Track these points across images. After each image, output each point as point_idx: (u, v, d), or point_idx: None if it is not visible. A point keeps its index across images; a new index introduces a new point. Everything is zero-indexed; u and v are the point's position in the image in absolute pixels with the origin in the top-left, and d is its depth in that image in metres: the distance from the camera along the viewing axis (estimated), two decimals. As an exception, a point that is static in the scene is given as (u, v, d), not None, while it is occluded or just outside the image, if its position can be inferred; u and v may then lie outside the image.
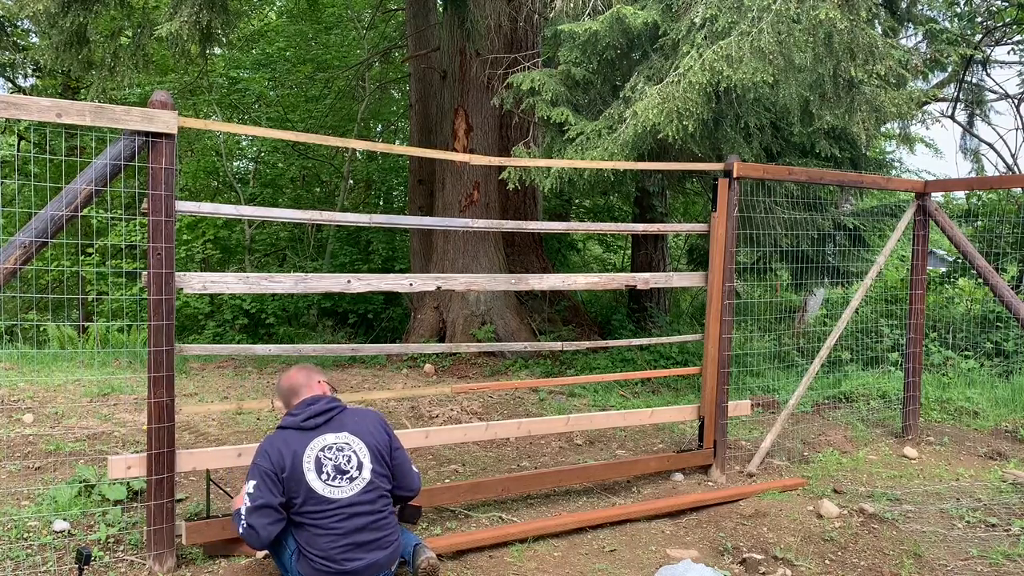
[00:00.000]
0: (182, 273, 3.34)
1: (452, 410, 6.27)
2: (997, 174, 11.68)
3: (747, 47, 4.86)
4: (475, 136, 9.14)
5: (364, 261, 12.47)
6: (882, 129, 9.38)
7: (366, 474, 3.01)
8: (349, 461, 3.01)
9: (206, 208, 3.59)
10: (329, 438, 3.02)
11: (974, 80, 11.62)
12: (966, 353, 7.88)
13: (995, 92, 12.14)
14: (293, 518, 2.96)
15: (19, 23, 11.58)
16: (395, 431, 3.30)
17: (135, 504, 3.90)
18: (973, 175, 12.07)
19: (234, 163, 15.18)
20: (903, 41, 9.14)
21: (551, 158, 6.04)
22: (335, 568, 2.89)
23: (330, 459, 2.98)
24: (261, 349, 3.86)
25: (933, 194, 5.68)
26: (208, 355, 8.49)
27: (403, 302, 11.19)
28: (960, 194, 11.86)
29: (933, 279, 9.57)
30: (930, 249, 6.33)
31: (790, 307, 10.81)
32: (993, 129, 24.97)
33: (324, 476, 2.94)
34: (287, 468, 2.92)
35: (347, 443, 3.04)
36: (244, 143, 15.25)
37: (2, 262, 3.07)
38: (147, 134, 3.18)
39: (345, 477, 2.97)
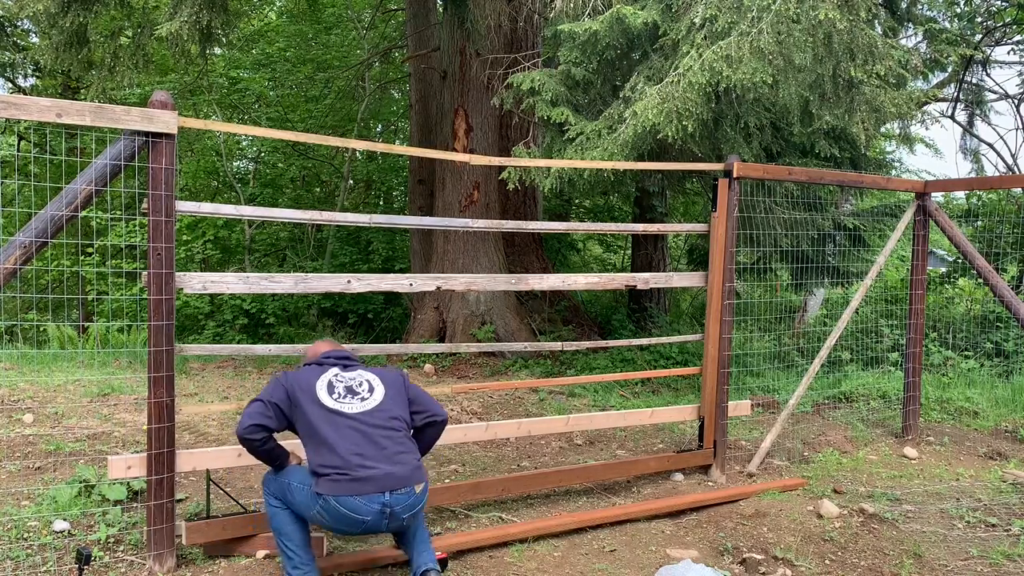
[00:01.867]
0: (182, 273, 3.34)
1: (452, 410, 6.27)
2: (997, 174, 11.68)
3: (747, 47, 4.86)
4: (475, 136, 9.14)
5: (364, 261, 12.47)
6: (882, 129, 9.37)
7: (377, 396, 3.09)
8: (360, 385, 3.11)
9: (206, 208, 3.59)
10: (342, 373, 3.17)
11: (974, 80, 11.62)
12: (966, 353, 7.88)
13: (995, 92, 12.15)
14: (306, 443, 2.99)
15: (19, 23, 11.58)
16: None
17: (135, 504, 3.90)
18: (973, 175, 12.07)
19: (234, 163, 15.18)
20: (903, 41, 9.14)
21: (551, 158, 6.05)
22: (351, 475, 2.87)
23: (341, 382, 3.11)
24: (261, 349, 3.86)
25: (933, 194, 5.68)
26: (208, 355, 8.48)
27: (403, 302, 11.19)
28: (960, 194, 11.87)
29: (933, 279, 9.57)
30: (930, 249, 6.33)
31: (790, 307, 10.81)
32: (993, 129, 24.99)
33: (335, 395, 3.05)
34: (299, 391, 3.01)
35: (360, 374, 3.18)
36: (244, 143, 15.25)
37: (2, 262, 3.07)
38: (147, 134, 3.18)
39: (356, 397, 3.07)
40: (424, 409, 3.21)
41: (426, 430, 3.24)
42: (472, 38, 8.51)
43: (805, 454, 5.30)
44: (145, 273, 3.24)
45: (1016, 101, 11.83)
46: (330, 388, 3.07)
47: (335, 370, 3.17)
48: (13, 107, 2.98)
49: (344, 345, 3.46)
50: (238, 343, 10.58)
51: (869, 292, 6.11)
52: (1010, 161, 12.14)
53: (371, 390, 3.12)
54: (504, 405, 6.75)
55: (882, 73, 5.29)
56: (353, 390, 3.09)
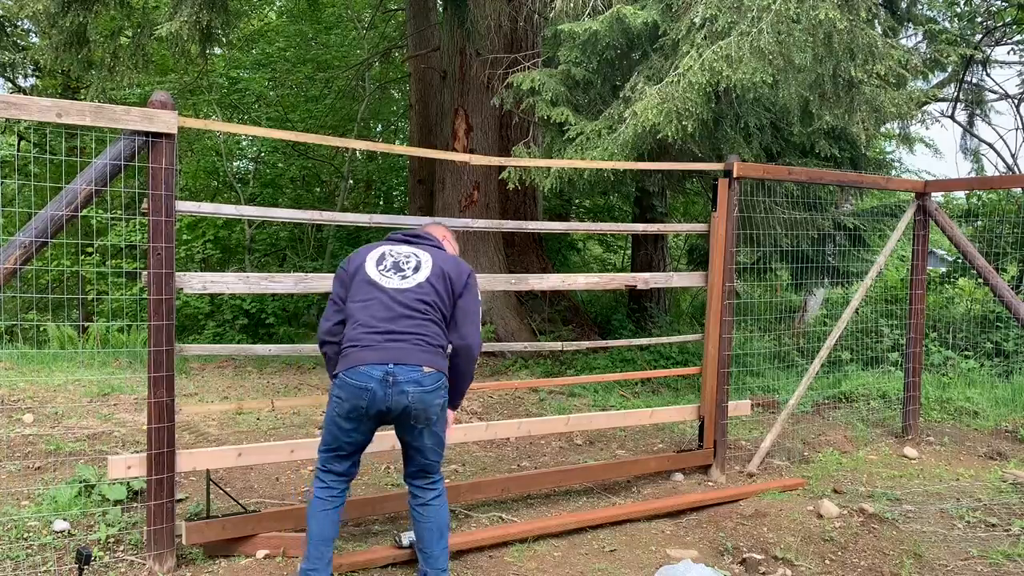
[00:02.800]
0: (182, 273, 3.34)
1: (452, 410, 6.27)
2: (997, 174, 11.67)
3: (747, 47, 4.85)
4: (475, 136, 9.14)
5: (364, 261, 12.44)
6: (882, 129, 9.37)
7: (420, 278, 2.98)
8: (408, 262, 3.03)
9: (206, 208, 3.59)
10: (402, 247, 3.12)
11: (974, 80, 11.62)
12: (966, 353, 7.87)
13: (995, 92, 12.15)
14: (346, 308, 2.97)
15: (19, 23, 11.57)
16: (394, 431, 3.27)
17: (135, 504, 3.90)
18: (973, 175, 12.07)
19: (234, 163, 15.17)
20: (903, 41, 9.14)
21: (551, 158, 6.04)
22: (360, 344, 2.84)
23: (392, 257, 3.06)
24: (261, 349, 3.86)
25: (933, 194, 5.68)
26: (208, 355, 8.49)
27: (403, 302, 11.15)
28: (960, 194, 11.86)
29: (933, 279, 9.57)
30: (930, 249, 6.32)
31: (790, 307, 10.81)
32: (993, 129, 24.98)
33: (381, 267, 3.01)
34: (352, 269, 3.02)
35: (415, 253, 3.08)
36: (244, 143, 15.24)
37: (2, 262, 3.07)
38: (147, 134, 3.18)
39: (399, 274, 2.99)
40: (456, 329, 3.02)
41: (452, 358, 3.04)
42: (472, 38, 8.51)
43: (805, 454, 5.30)
44: (145, 273, 3.24)
45: (1016, 101, 11.84)
46: (380, 260, 3.02)
47: (392, 245, 3.12)
48: (13, 107, 2.98)
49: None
50: (238, 343, 10.58)
51: (869, 292, 6.11)
52: (1010, 161, 12.14)
53: (416, 270, 3.00)
54: (504, 405, 6.75)
55: (882, 73, 5.30)
56: (399, 266, 3.00)
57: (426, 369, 2.86)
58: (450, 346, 3.03)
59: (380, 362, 2.81)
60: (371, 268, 2.99)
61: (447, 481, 4.55)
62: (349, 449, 2.97)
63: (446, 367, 2.98)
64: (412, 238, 3.18)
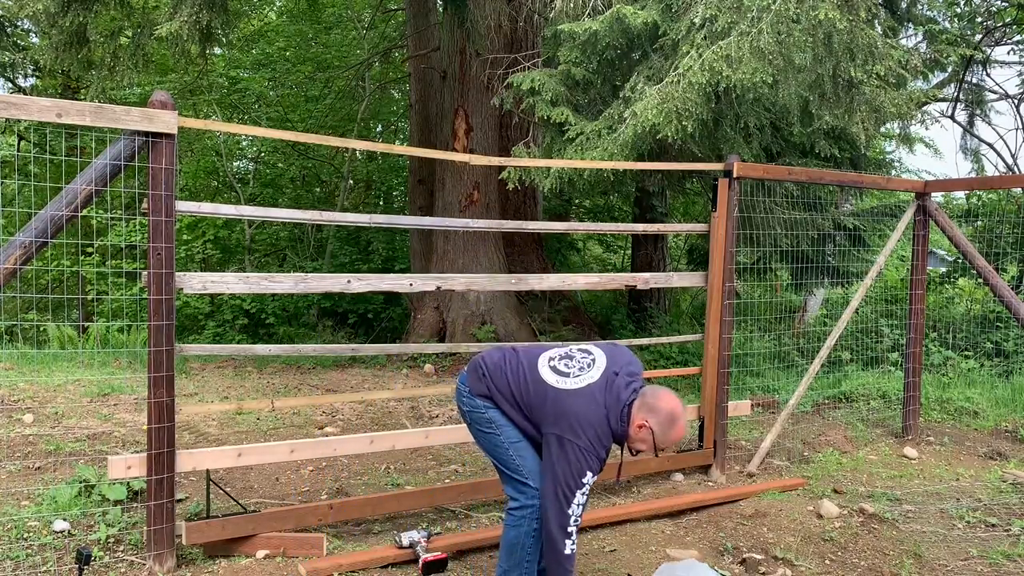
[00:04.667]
0: (182, 273, 3.34)
1: (452, 410, 6.27)
2: (997, 174, 11.68)
3: (747, 47, 4.85)
4: (475, 136, 9.14)
5: (364, 261, 12.47)
6: (882, 129, 9.37)
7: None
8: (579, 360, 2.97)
9: (206, 208, 3.59)
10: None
11: (974, 80, 11.62)
12: (966, 353, 7.87)
13: (995, 92, 12.14)
14: None
15: (19, 23, 11.57)
16: (395, 431, 3.28)
17: (135, 504, 3.90)
18: (973, 175, 12.07)
19: (234, 163, 15.17)
20: (903, 41, 9.13)
21: (551, 158, 6.04)
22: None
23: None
24: (261, 349, 3.86)
25: (933, 194, 5.68)
26: (208, 355, 8.49)
27: (403, 302, 11.18)
28: (960, 194, 11.86)
29: (933, 279, 9.57)
30: (930, 249, 6.32)
31: (790, 307, 10.81)
32: (993, 129, 24.91)
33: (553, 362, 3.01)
34: None
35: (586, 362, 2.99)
36: (244, 143, 15.24)
37: (2, 262, 3.07)
38: (147, 134, 3.18)
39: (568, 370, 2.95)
40: None
41: None
42: (472, 38, 8.50)
43: (805, 454, 5.30)
44: (145, 273, 3.24)
45: (1016, 101, 11.84)
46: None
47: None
48: (13, 107, 2.98)
49: (346, 345, 3.44)
50: (238, 343, 10.58)
51: (869, 292, 6.11)
52: (1010, 161, 12.14)
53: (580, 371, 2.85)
54: (504, 405, 6.74)
55: (882, 73, 5.29)
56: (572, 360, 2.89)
57: (470, 384, 3.02)
58: None
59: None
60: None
61: (447, 481, 4.56)
62: None
63: (484, 394, 3.00)
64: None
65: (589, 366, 2.84)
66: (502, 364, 2.93)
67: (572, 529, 2.68)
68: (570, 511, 2.66)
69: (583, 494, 2.68)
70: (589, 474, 2.67)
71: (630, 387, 2.79)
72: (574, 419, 2.68)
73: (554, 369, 2.85)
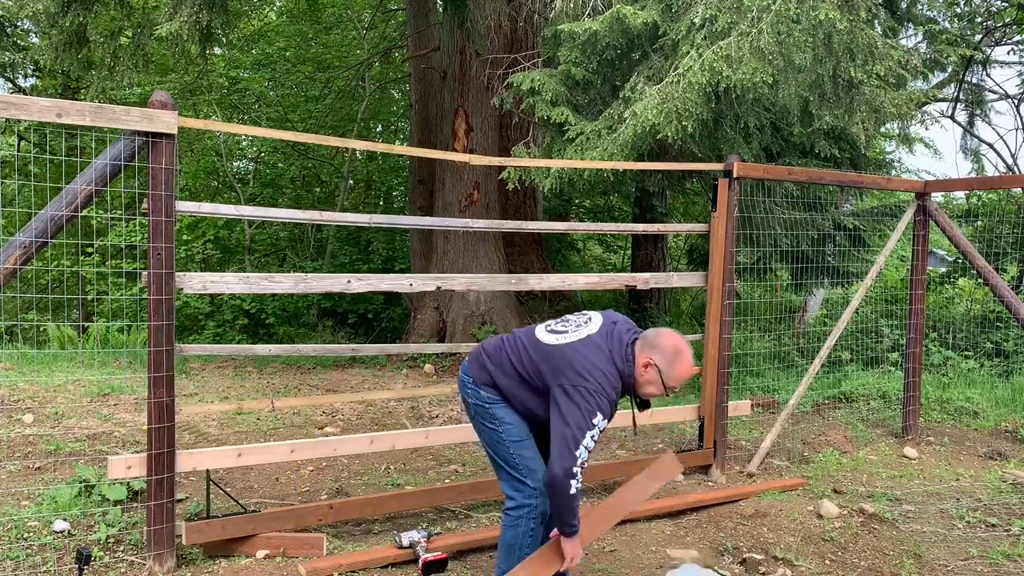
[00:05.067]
0: (182, 273, 3.34)
1: (452, 410, 6.27)
2: (997, 174, 11.67)
3: (747, 47, 4.86)
4: (475, 136, 9.14)
5: (364, 261, 12.47)
6: (882, 129, 9.37)
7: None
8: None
9: (206, 208, 3.59)
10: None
11: (974, 80, 11.61)
12: (966, 353, 7.87)
13: (995, 92, 12.13)
14: None
15: (19, 23, 11.57)
16: (395, 431, 3.27)
17: (135, 504, 3.90)
18: (973, 175, 12.06)
19: (234, 163, 15.17)
20: (903, 41, 9.13)
21: (551, 158, 6.04)
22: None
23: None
24: (261, 349, 3.86)
25: (933, 194, 5.68)
26: (208, 355, 8.49)
27: (403, 302, 11.19)
28: (960, 194, 11.86)
29: (933, 279, 9.57)
30: (930, 249, 6.32)
31: (790, 307, 10.80)
32: (993, 129, 24.91)
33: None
34: None
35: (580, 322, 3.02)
36: (244, 143, 15.24)
37: (2, 262, 3.07)
38: (147, 134, 3.18)
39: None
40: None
41: None
42: (472, 38, 8.50)
43: (805, 454, 5.30)
44: (145, 273, 3.24)
45: (1016, 101, 11.83)
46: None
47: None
48: (13, 107, 2.98)
49: (346, 345, 3.43)
50: (238, 343, 10.58)
51: (869, 292, 6.11)
52: (1010, 161, 12.13)
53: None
54: (504, 405, 6.74)
55: (882, 73, 5.30)
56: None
57: (474, 375, 2.99)
58: None
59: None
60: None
61: (447, 481, 4.56)
62: None
63: (489, 385, 2.99)
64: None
65: (586, 323, 2.85)
66: (501, 345, 2.94)
67: (577, 470, 2.62)
68: (577, 452, 2.60)
69: (592, 438, 2.61)
70: (599, 415, 2.62)
71: (631, 332, 2.79)
72: (579, 365, 2.66)
73: (552, 331, 2.86)
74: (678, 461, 3.14)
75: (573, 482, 2.61)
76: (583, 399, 2.61)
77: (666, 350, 2.69)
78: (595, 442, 2.65)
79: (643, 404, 2.87)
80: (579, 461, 2.61)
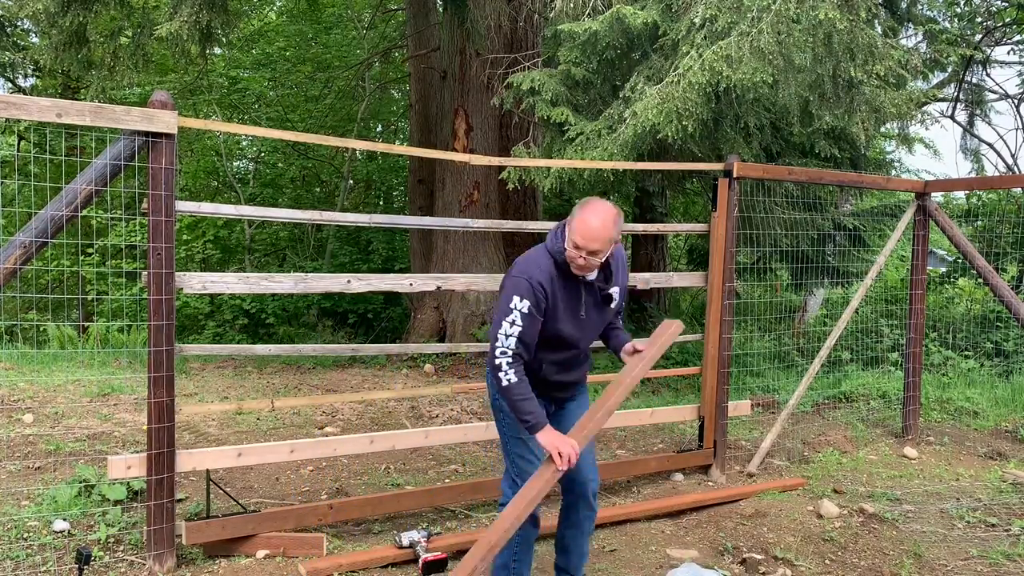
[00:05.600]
0: (182, 273, 3.34)
1: (452, 410, 6.27)
2: (997, 174, 11.68)
3: (747, 47, 4.85)
4: (475, 136, 9.13)
5: (364, 261, 12.47)
6: (882, 129, 9.37)
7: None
8: None
9: (206, 208, 3.59)
10: None
11: (974, 80, 11.62)
12: (966, 353, 7.87)
13: (995, 92, 12.14)
14: None
15: (19, 23, 11.57)
16: (395, 431, 3.27)
17: (135, 504, 3.90)
18: (973, 175, 12.06)
19: (234, 163, 15.18)
20: (903, 41, 9.13)
21: (551, 158, 6.04)
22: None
23: None
24: (261, 349, 3.86)
25: (933, 194, 5.68)
26: (208, 355, 8.49)
27: (403, 302, 11.19)
28: (960, 194, 11.86)
29: (933, 279, 9.57)
30: (930, 249, 6.32)
31: (790, 307, 10.81)
32: (993, 129, 24.98)
33: None
34: None
35: None
36: (244, 143, 15.24)
37: (2, 262, 3.07)
38: (147, 134, 3.19)
39: None
40: None
41: None
42: (472, 38, 8.50)
43: (805, 454, 5.30)
44: (145, 273, 3.25)
45: (1016, 101, 11.84)
46: None
47: None
48: (13, 107, 2.98)
49: (346, 345, 3.40)
50: (238, 343, 10.58)
51: (869, 292, 6.11)
52: (1010, 161, 12.14)
53: None
54: (504, 405, 6.74)
55: (882, 73, 5.29)
56: None
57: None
58: None
59: None
60: None
61: (447, 481, 4.56)
62: None
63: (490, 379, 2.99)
64: None
65: None
66: None
67: (500, 361, 2.64)
68: (498, 342, 2.64)
69: (512, 322, 2.62)
70: (516, 298, 2.64)
71: None
72: (515, 263, 2.76)
73: None
74: (679, 322, 3.11)
75: (501, 374, 2.64)
76: (504, 290, 2.69)
77: (576, 212, 2.68)
78: (520, 327, 2.63)
79: (605, 298, 2.84)
80: (499, 349, 2.63)
